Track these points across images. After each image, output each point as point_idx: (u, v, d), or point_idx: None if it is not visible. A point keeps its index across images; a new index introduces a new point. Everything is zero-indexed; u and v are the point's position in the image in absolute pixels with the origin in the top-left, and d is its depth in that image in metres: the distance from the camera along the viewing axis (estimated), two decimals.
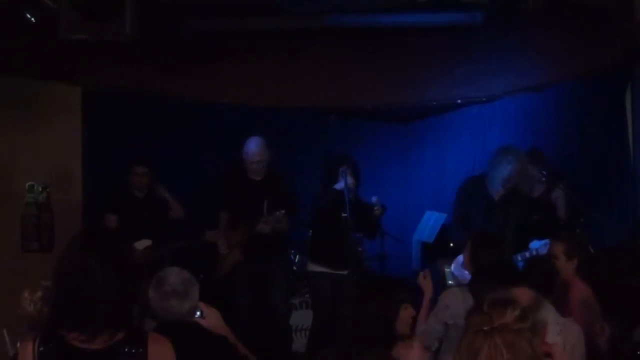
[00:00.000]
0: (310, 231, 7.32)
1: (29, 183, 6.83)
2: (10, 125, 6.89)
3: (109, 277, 2.72)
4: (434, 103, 8.11)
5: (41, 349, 2.72)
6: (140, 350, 2.73)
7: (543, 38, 6.79)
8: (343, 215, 6.73)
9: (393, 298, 3.89)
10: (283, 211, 6.57)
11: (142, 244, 6.67)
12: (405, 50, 7.20)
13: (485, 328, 2.30)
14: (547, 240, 6.23)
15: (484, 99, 7.96)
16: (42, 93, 7.03)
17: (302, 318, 7.49)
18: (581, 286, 4.94)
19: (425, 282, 4.99)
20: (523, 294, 3.20)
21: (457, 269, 6.07)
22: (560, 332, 3.87)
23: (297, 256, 7.72)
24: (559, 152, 7.73)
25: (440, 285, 6.07)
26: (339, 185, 6.61)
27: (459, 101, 8.07)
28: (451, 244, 7.02)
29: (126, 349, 2.72)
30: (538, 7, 5.66)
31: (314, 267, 6.92)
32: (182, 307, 3.79)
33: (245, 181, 6.80)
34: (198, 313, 3.85)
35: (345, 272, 6.73)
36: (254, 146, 6.73)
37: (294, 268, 7.65)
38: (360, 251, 7.53)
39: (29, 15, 5.71)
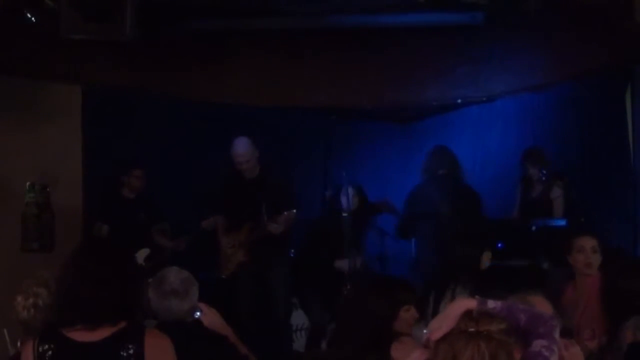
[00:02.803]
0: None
1: (29, 183, 6.83)
2: (11, 125, 6.89)
3: (111, 274, 2.82)
4: (434, 103, 8.11)
5: (40, 348, 2.75)
6: (137, 344, 2.77)
7: (543, 38, 6.80)
8: (343, 215, 6.75)
9: (395, 298, 3.86)
10: (294, 210, 6.59)
11: (142, 253, 6.69)
12: (405, 50, 7.20)
13: (471, 330, 2.30)
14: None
15: (484, 99, 7.95)
16: (42, 93, 7.02)
17: (302, 318, 7.49)
18: (598, 280, 4.94)
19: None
20: (541, 304, 3.16)
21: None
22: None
23: (298, 256, 7.71)
24: (559, 152, 7.73)
25: None
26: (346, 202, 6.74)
27: (459, 101, 8.06)
28: None
29: (124, 343, 2.76)
30: (538, 7, 5.66)
31: None
32: (181, 307, 3.78)
33: (240, 182, 6.80)
34: (198, 314, 3.85)
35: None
36: (239, 147, 6.73)
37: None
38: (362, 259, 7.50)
39: (29, 15, 5.72)
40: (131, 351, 2.76)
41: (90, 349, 2.76)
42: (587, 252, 5.13)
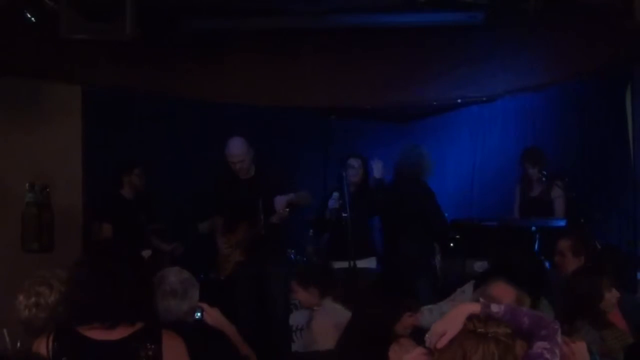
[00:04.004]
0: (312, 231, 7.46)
1: (29, 183, 6.83)
2: (11, 125, 6.88)
3: (124, 275, 2.85)
4: (434, 103, 8.11)
5: (56, 344, 2.75)
6: (156, 345, 2.78)
7: (543, 38, 6.80)
8: (343, 215, 6.76)
9: (402, 302, 3.90)
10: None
11: (144, 254, 6.70)
12: (405, 50, 7.20)
13: (480, 330, 2.31)
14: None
15: (484, 99, 7.96)
16: (42, 93, 7.02)
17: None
18: None
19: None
20: (504, 292, 3.17)
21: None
22: None
23: (297, 256, 7.72)
24: (559, 152, 7.74)
25: None
26: (331, 204, 6.87)
27: (459, 101, 8.07)
28: (451, 244, 7.20)
29: (143, 342, 2.76)
30: (538, 7, 5.66)
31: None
32: (181, 307, 3.78)
33: (236, 182, 6.81)
34: (199, 314, 3.85)
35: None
36: (233, 147, 6.74)
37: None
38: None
39: (29, 15, 5.71)
40: (150, 352, 2.76)
41: (109, 347, 2.76)
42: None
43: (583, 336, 3.85)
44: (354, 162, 7.12)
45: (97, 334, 2.77)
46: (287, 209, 6.55)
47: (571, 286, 4.28)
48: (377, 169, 7.07)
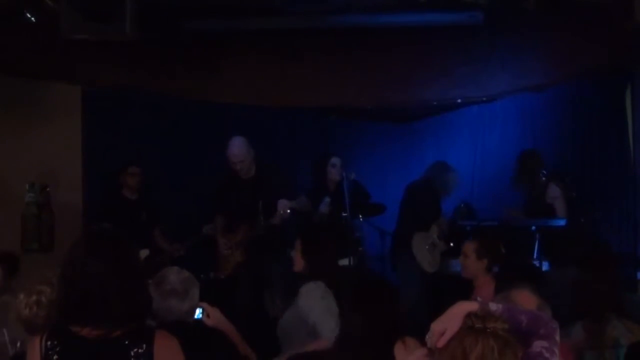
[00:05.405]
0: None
1: (29, 183, 6.83)
2: (11, 125, 6.89)
3: (120, 274, 2.79)
4: (434, 103, 8.11)
5: (48, 343, 2.74)
6: (148, 345, 2.76)
7: (543, 38, 6.80)
8: (343, 214, 6.77)
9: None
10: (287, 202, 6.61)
11: (141, 254, 6.70)
12: (405, 50, 7.20)
13: (478, 326, 2.32)
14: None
15: (484, 99, 7.96)
16: (42, 93, 7.03)
17: None
18: (491, 286, 4.87)
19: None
20: (526, 299, 3.16)
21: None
22: None
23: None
24: (559, 152, 7.74)
25: None
26: (322, 208, 7.00)
27: (459, 101, 8.07)
28: (451, 244, 7.23)
29: (134, 342, 2.75)
30: (538, 7, 5.67)
31: None
32: (181, 307, 3.79)
33: (237, 182, 6.82)
34: (200, 315, 3.85)
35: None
36: (234, 147, 6.75)
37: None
38: (360, 250, 7.54)
39: (29, 15, 5.72)
40: (141, 351, 2.75)
41: (100, 346, 2.74)
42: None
43: (612, 329, 3.84)
44: (336, 161, 7.18)
45: (90, 333, 2.75)
46: (288, 211, 6.56)
47: (599, 279, 4.25)
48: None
